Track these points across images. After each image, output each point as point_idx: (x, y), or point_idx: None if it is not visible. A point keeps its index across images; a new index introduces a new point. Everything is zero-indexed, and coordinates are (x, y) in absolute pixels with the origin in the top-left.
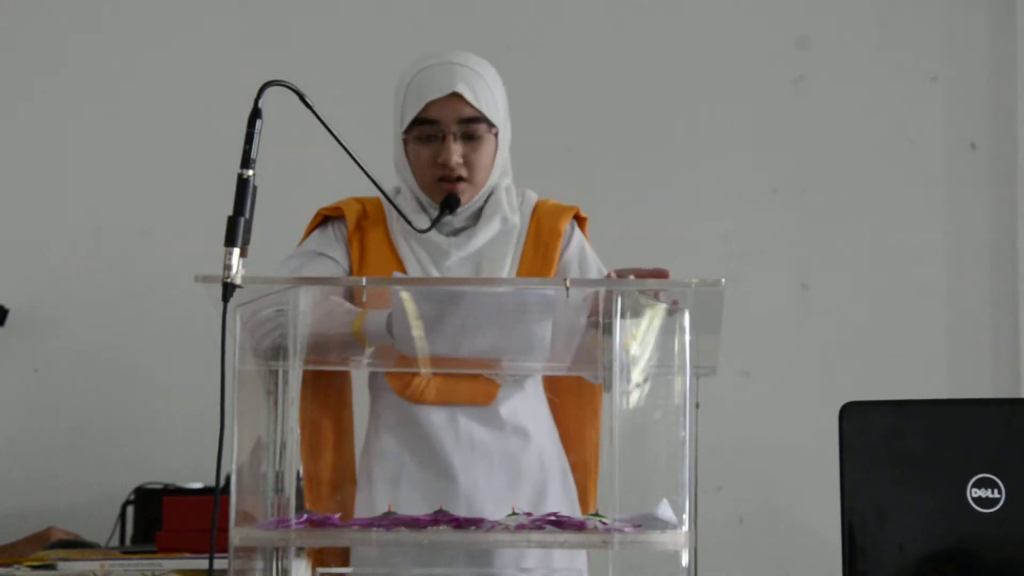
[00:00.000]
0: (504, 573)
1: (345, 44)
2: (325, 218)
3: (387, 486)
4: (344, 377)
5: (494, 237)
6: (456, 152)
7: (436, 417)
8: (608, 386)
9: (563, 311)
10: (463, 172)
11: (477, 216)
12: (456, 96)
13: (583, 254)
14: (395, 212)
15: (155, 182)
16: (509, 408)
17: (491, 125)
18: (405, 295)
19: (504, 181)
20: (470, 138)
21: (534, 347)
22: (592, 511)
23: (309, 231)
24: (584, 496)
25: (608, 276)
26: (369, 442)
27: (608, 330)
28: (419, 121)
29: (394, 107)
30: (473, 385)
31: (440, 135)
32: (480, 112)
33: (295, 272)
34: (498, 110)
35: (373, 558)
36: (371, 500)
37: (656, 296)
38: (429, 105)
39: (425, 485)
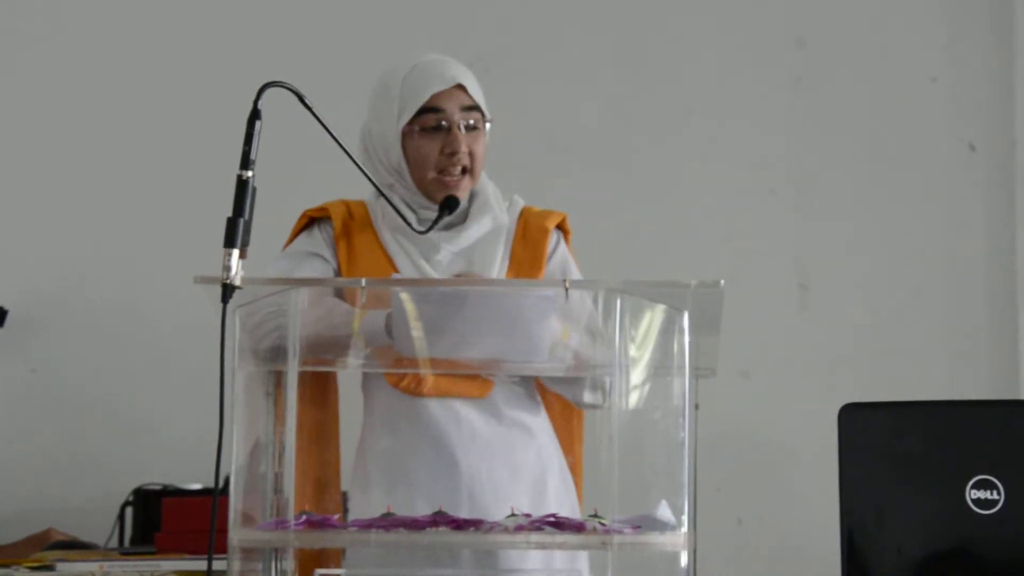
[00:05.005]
0: (503, 573)
1: (341, 44)
2: (311, 219)
3: (386, 485)
4: (332, 376)
5: (485, 235)
6: (463, 141)
7: (436, 409)
8: (591, 407)
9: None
10: (467, 162)
11: (464, 213)
12: (459, 87)
13: (565, 269)
14: (380, 210)
15: (154, 183)
16: (507, 402)
17: (484, 116)
18: (404, 296)
19: (489, 182)
20: (471, 129)
21: (532, 348)
22: (579, 511)
23: (295, 233)
24: (579, 496)
25: None
26: (365, 440)
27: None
28: (424, 111)
29: (384, 106)
30: (470, 377)
31: (445, 125)
32: (477, 103)
33: (286, 273)
34: (485, 104)
35: (369, 559)
36: (369, 500)
37: None
38: (434, 96)
39: (426, 478)
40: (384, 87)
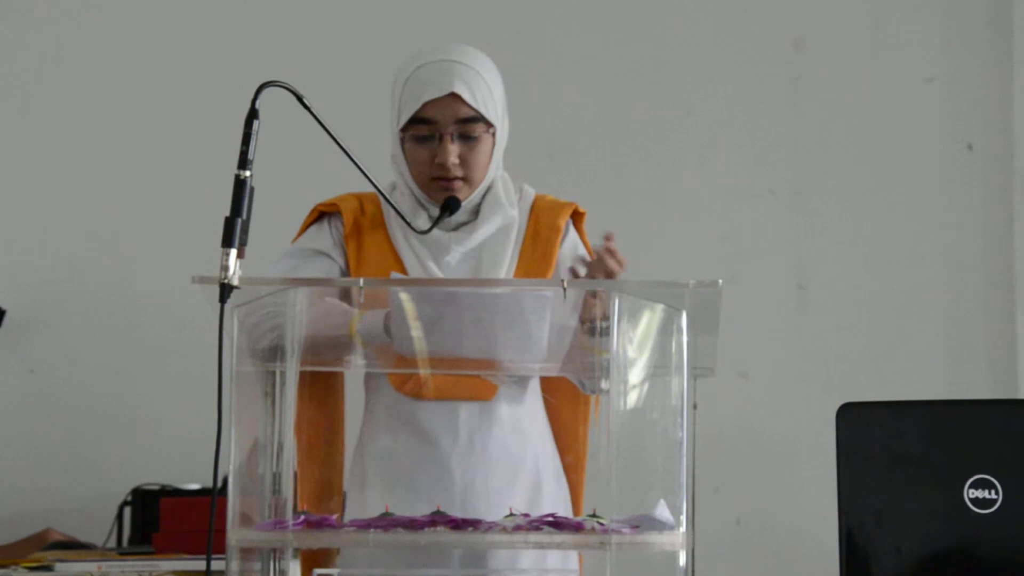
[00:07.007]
0: (498, 574)
1: (341, 43)
2: (321, 214)
3: (382, 486)
4: (337, 377)
5: (494, 233)
6: (453, 153)
7: (435, 414)
8: (594, 391)
9: (556, 311)
10: (459, 172)
11: (476, 211)
12: (454, 96)
13: (576, 256)
14: (393, 209)
15: (151, 183)
16: (508, 406)
17: (488, 124)
18: (404, 295)
19: (500, 174)
20: (467, 138)
21: (531, 347)
22: (582, 512)
23: (305, 226)
24: (574, 497)
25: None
26: (364, 441)
27: (604, 332)
28: (416, 120)
29: (391, 103)
30: (474, 380)
31: (437, 135)
32: (478, 112)
33: (291, 271)
34: (496, 108)
35: (363, 559)
36: (365, 500)
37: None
38: (426, 105)
39: (420, 484)
40: (392, 86)
